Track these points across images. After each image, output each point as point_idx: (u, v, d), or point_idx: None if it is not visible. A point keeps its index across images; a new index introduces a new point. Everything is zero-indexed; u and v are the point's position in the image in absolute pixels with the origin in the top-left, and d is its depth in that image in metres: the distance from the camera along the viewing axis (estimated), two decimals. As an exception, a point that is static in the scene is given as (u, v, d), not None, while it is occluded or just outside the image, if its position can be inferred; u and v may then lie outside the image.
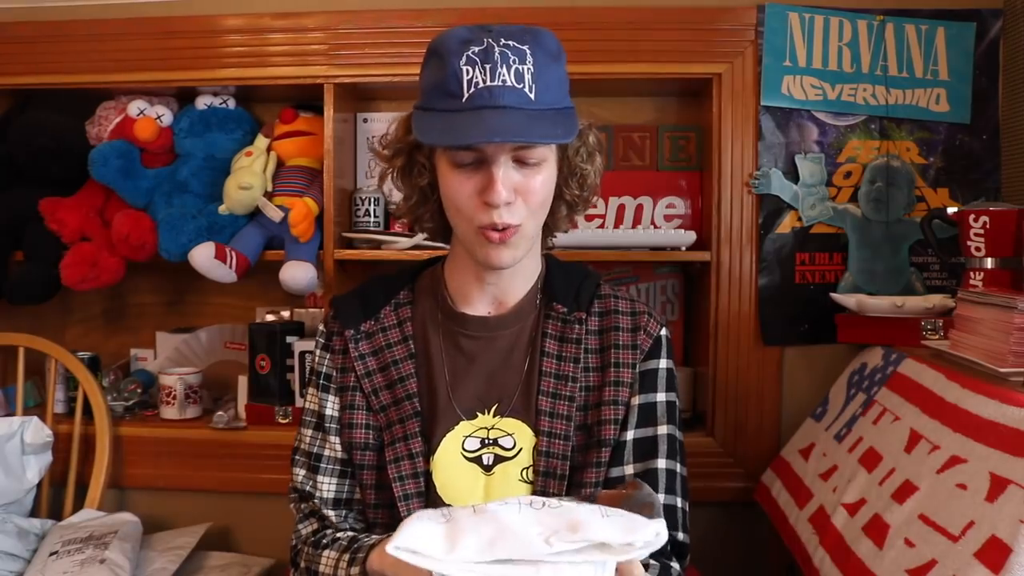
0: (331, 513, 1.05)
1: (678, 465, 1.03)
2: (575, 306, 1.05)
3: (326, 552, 0.99)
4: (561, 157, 1.00)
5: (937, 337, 1.42)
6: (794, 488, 1.46)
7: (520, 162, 0.93)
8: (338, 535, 1.02)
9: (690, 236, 1.66)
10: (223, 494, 1.78)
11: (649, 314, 1.07)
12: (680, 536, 1.01)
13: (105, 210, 1.78)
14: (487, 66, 0.89)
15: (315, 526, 1.06)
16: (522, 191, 0.94)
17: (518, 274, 1.04)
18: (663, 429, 1.03)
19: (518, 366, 1.04)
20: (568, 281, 1.08)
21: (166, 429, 1.76)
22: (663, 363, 1.05)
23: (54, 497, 1.74)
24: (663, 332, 1.07)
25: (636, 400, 1.03)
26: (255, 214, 1.72)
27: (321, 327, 1.10)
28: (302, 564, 1.03)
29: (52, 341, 1.78)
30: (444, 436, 1.01)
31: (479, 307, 1.06)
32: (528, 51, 0.90)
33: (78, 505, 1.70)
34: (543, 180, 0.95)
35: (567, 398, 1.01)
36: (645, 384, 1.04)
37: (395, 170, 1.04)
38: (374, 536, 0.99)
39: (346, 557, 0.96)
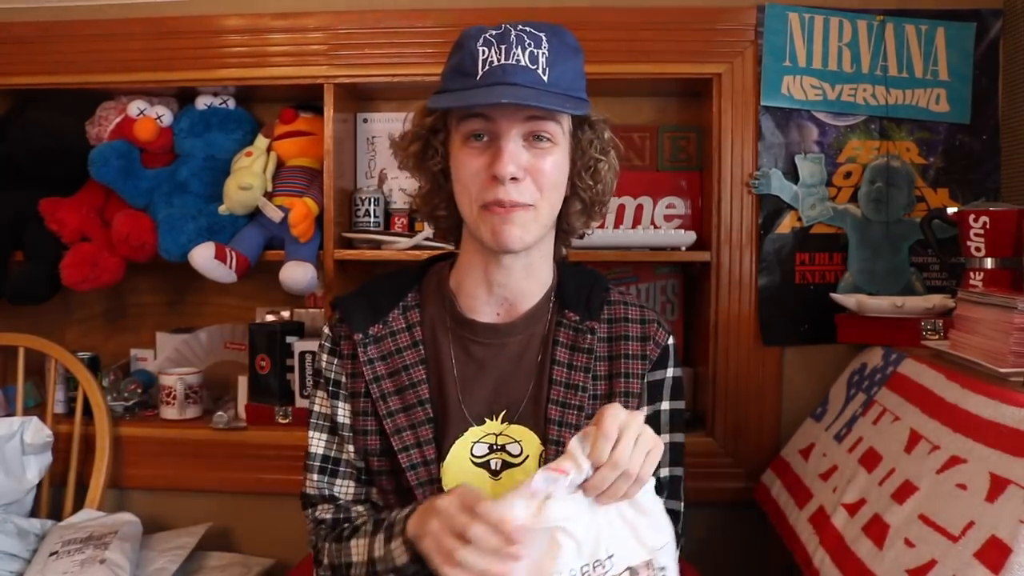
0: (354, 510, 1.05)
1: (680, 469, 1.07)
2: (587, 315, 1.04)
3: (353, 542, 0.98)
4: (575, 147, 1.00)
5: (937, 337, 1.42)
6: (794, 488, 1.46)
7: (531, 140, 0.94)
8: (357, 523, 1.01)
9: (690, 236, 1.66)
10: (223, 494, 1.78)
11: (658, 323, 1.07)
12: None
13: (105, 210, 1.78)
14: (503, 47, 0.91)
15: (333, 517, 1.05)
16: (532, 171, 0.94)
17: (529, 276, 1.03)
18: (665, 439, 1.04)
19: (528, 373, 1.03)
20: (579, 287, 1.07)
21: (166, 429, 1.76)
22: (670, 372, 1.06)
23: (54, 497, 1.74)
24: (670, 341, 1.07)
25: (643, 411, 1.02)
26: (255, 214, 1.72)
27: (326, 330, 1.08)
28: (325, 561, 1.02)
29: (52, 341, 1.78)
30: (454, 442, 1.00)
31: (487, 312, 1.04)
32: (544, 38, 0.93)
33: (78, 505, 1.70)
34: (554, 161, 0.96)
35: (576, 407, 1.00)
36: (651, 395, 1.05)
37: (410, 157, 1.04)
38: (398, 511, 0.96)
39: (380, 536, 0.94)
